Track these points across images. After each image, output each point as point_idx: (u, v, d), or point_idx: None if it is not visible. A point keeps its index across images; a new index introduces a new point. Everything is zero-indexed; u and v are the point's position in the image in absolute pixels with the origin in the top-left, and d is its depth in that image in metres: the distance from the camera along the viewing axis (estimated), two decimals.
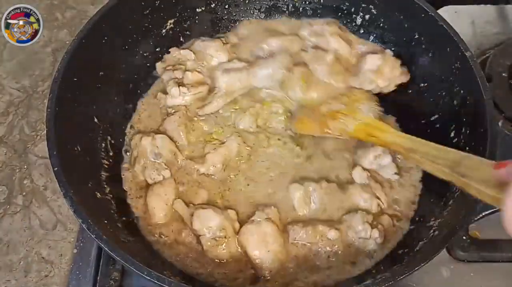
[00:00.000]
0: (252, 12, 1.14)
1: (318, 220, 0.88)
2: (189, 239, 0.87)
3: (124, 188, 0.93)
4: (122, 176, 0.95)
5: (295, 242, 0.85)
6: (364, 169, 0.93)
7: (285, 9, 1.13)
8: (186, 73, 1.02)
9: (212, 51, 1.05)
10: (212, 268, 0.84)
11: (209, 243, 0.84)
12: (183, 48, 1.06)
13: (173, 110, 1.00)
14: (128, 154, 0.98)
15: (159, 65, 1.05)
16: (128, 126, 1.02)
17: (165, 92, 1.02)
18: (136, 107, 1.04)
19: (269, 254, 0.83)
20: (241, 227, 0.86)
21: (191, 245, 0.86)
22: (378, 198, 0.91)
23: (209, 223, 0.84)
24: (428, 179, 0.93)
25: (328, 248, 0.85)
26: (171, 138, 0.96)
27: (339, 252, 0.85)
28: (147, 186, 0.92)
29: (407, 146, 0.81)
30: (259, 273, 0.83)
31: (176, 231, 0.88)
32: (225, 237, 0.84)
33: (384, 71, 0.98)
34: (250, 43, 1.08)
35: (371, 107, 0.93)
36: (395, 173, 0.93)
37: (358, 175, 0.93)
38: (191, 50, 1.05)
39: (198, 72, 1.03)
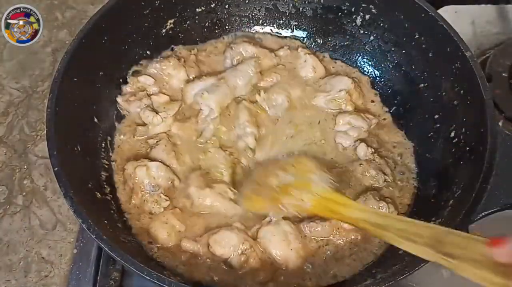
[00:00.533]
0: (252, 13, 1.14)
1: None
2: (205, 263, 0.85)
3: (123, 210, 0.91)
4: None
5: (313, 238, 0.86)
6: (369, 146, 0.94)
7: (285, 10, 1.14)
8: (153, 98, 1.00)
9: (170, 70, 1.03)
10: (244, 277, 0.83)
11: (241, 260, 0.83)
12: (140, 75, 1.03)
13: (155, 140, 0.96)
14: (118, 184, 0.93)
15: (120, 99, 1.00)
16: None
17: (141, 124, 0.99)
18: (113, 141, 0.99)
19: (292, 252, 0.83)
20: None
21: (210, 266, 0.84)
22: (384, 173, 0.91)
23: (230, 243, 0.83)
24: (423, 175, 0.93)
25: (347, 238, 0.86)
26: (164, 163, 0.93)
27: (358, 238, 0.86)
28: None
29: (377, 222, 0.72)
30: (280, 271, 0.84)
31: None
32: (251, 247, 0.83)
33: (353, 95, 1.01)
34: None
35: (323, 177, 0.84)
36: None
37: (363, 152, 0.94)
38: (148, 75, 1.03)
39: (164, 93, 1.02)
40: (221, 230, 0.84)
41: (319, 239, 0.86)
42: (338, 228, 0.85)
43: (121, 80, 1.01)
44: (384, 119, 1.04)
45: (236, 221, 0.87)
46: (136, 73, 1.03)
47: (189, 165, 0.95)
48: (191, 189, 0.89)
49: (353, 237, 0.86)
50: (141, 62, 1.05)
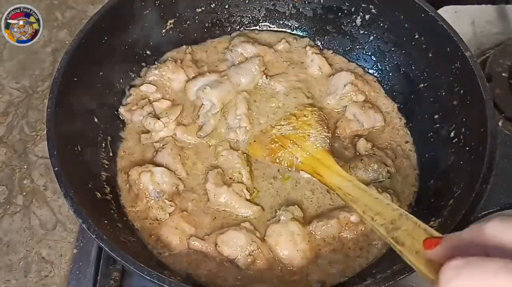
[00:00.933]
0: (252, 13, 1.14)
1: (336, 208, 0.89)
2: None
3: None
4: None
5: (323, 237, 0.86)
6: (368, 141, 0.96)
7: (285, 11, 1.14)
8: (155, 104, 1.00)
9: (170, 74, 1.03)
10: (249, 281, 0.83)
11: (248, 261, 0.83)
12: (140, 85, 1.03)
13: (162, 144, 0.96)
14: (121, 191, 0.93)
15: (123, 110, 1.00)
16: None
17: (145, 131, 0.99)
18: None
19: (298, 253, 0.83)
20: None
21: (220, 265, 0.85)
22: (386, 164, 0.92)
23: (238, 243, 0.83)
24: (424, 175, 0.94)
25: (356, 232, 0.86)
26: (168, 168, 0.92)
27: (363, 229, 0.86)
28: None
29: (349, 193, 0.77)
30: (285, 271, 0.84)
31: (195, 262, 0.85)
32: (258, 248, 0.83)
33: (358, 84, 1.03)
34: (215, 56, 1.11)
35: (319, 136, 0.91)
36: None
37: (363, 147, 0.94)
38: (149, 83, 1.03)
39: (166, 99, 1.02)
40: (229, 229, 0.84)
41: (329, 238, 0.86)
42: (346, 223, 0.86)
43: (121, 80, 1.01)
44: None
45: (246, 221, 0.87)
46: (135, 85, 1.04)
47: (199, 167, 0.96)
48: (208, 184, 0.90)
49: (361, 229, 0.86)
50: (140, 74, 1.05)
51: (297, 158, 0.89)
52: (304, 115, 0.95)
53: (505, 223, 0.42)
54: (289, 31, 1.16)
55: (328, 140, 0.91)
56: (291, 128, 0.93)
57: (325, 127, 0.94)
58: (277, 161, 0.91)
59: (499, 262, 0.39)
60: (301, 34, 1.16)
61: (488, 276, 0.39)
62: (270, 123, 0.95)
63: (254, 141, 0.95)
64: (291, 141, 0.91)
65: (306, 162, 0.88)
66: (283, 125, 0.94)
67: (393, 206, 0.67)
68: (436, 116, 0.96)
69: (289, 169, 0.91)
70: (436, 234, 0.54)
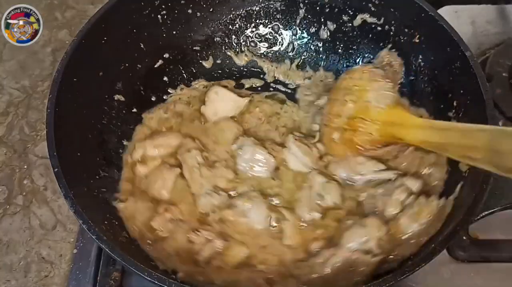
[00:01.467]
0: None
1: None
2: None
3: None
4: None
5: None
6: None
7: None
8: None
9: None
10: None
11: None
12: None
13: None
14: None
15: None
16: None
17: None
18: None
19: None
20: None
21: None
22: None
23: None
24: None
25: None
26: None
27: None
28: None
29: (434, 141, 0.69)
30: None
31: None
32: None
33: None
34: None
35: (379, 93, 0.80)
36: None
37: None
38: None
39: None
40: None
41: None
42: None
43: (121, 80, 1.01)
44: None
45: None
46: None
47: None
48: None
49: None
50: None
51: (373, 133, 0.79)
52: (356, 85, 0.84)
53: None
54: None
55: (390, 93, 0.80)
56: (352, 105, 0.82)
57: (381, 79, 0.82)
58: (359, 148, 0.81)
59: None
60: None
61: None
62: (332, 113, 0.86)
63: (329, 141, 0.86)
64: (359, 119, 0.80)
65: (383, 133, 0.78)
66: (343, 107, 0.83)
67: (484, 128, 0.60)
68: (436, 116, 0.96)
69: (374, 149, 0.81)
70: None
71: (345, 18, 1.08)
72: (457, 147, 0.63)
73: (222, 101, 1.03)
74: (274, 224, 0.85)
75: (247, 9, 1.13)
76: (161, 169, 0.93)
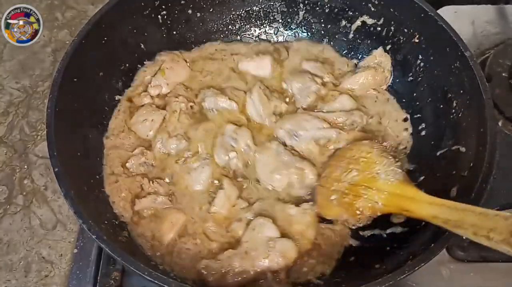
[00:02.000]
0: None
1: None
2: None
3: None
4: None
5: None
6: None
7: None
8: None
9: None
10: None
11: None
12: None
13: None
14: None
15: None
16: None
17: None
18: None
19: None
20: None
21: None
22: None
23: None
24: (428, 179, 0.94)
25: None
26: None
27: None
28: None
29: (449, 218, 0.68)
30: None
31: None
32: None
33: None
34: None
35: (388, 168, 0.81)
36: None
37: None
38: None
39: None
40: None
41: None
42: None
43: (120, 81, 1.02)
44: None
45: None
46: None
47: None
48: None
49: None
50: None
51: (377, 202, 0.79)
52: (364, 157, 0.85)
53: None
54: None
55: (400, 170, 0.81)
56: (356, 173, 0.83)
57: (390, 157, 0.84)
58: (358, 213, 0.81)
59: None
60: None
61: None
62: (331, 177, 0.87)
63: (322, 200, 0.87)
64: (363, 186, 0.81)
65: (388, 203, 0.78)
66: (346, 174, 0.84)
67: (503, 215, 0.60)
68: (435, 116, 0.96)
69: (373, 215, 0.82)
70: None
71: (344, 18, 1.09)
72: (473, 227, 0.63)
73: None
74: (211, 190, 0.93)
75: (247, 9, 1.13)
76: (150, 111, 0.99)
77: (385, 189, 0.79)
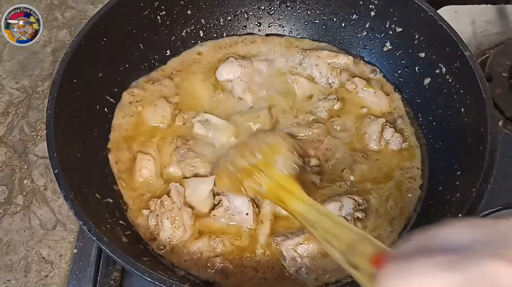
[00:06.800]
0: None
1: None
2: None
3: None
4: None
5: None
6: None
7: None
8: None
9: None
10: None
11: None
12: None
13: None
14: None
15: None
16: None
17: None
18: None
19: None
20: None
21: None
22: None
23: None
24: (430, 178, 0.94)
25: None
26: None
27: None
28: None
29: (310, 218, 0.74)
30: None
31: None
32: None
33: None
34: None
35: (287, 162, 0.87)
36: None
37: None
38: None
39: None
40: None
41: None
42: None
43: (120, 80, 1.01)
44: None
45: None
46: None
47: None
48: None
49: None
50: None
51: (262, 186, 0.84)
52: (275, 145, 0.90)
53: (454, 226, 0.40)
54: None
55: (296, 166, 0.87)
56: (260, 157, 0.88)
57: (295, 153, 0.90)
58: (242, 191, 0.87)
59: (432, 260, 0.38)
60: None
61: (417, 275, 0.37)
62: (239, 152, 0.91)
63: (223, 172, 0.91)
64: (258, 170, 0.86)
65: (270, 190, 0.84)
66: (249, 156, 0.89)
67: (352, 228, 0.65)
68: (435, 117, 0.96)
69: (254, 197, 0.88)
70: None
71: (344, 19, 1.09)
72: (324, 231, 0.69)
73: None
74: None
75: (246, 9, 1.13)
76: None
77: (276, 177, 0.84)
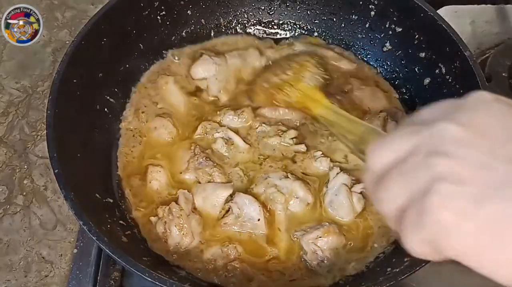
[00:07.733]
0: None
1: None
2: None
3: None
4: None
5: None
6: None
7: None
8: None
9: None
10: None
11: None
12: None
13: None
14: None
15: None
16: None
17: None
18: None
19: None
20: None
21: None
22: None
23: None
24: None
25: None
26: None
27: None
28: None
29: (330, 118, 0.85)
30: None
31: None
32: None
33: None
34: None
35: (314, 75, 0.97)
36: None
37: None
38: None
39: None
40: None
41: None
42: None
43: (120, 80, 1.02)
44: None
45: None
46: None
47: None
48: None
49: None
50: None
51: (292, 98, 0.94)
52: (306, 61, 1.01)
53: (430, 106, 0.48)
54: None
55: (321, 79, 0.97)
56: (290, 74, 0.98)
57: (322, 69, 1.00)
58: (275, 103, 0.97)
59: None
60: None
61: (390, 141, 0.47)
62: (271, 71, 1.01)
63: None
64: (288, 84, 0.96)
65: (299, 101, 0.94)
66: (282, 73, 0.99)
67: (363, 123, 0.75)
68: None
69: (287, 107, 0.99)
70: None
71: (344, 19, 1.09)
72: (340, 127, 0.79)
73: None
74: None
75: (247, 9, 1.13)
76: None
77: (303, 89, 0.94)
